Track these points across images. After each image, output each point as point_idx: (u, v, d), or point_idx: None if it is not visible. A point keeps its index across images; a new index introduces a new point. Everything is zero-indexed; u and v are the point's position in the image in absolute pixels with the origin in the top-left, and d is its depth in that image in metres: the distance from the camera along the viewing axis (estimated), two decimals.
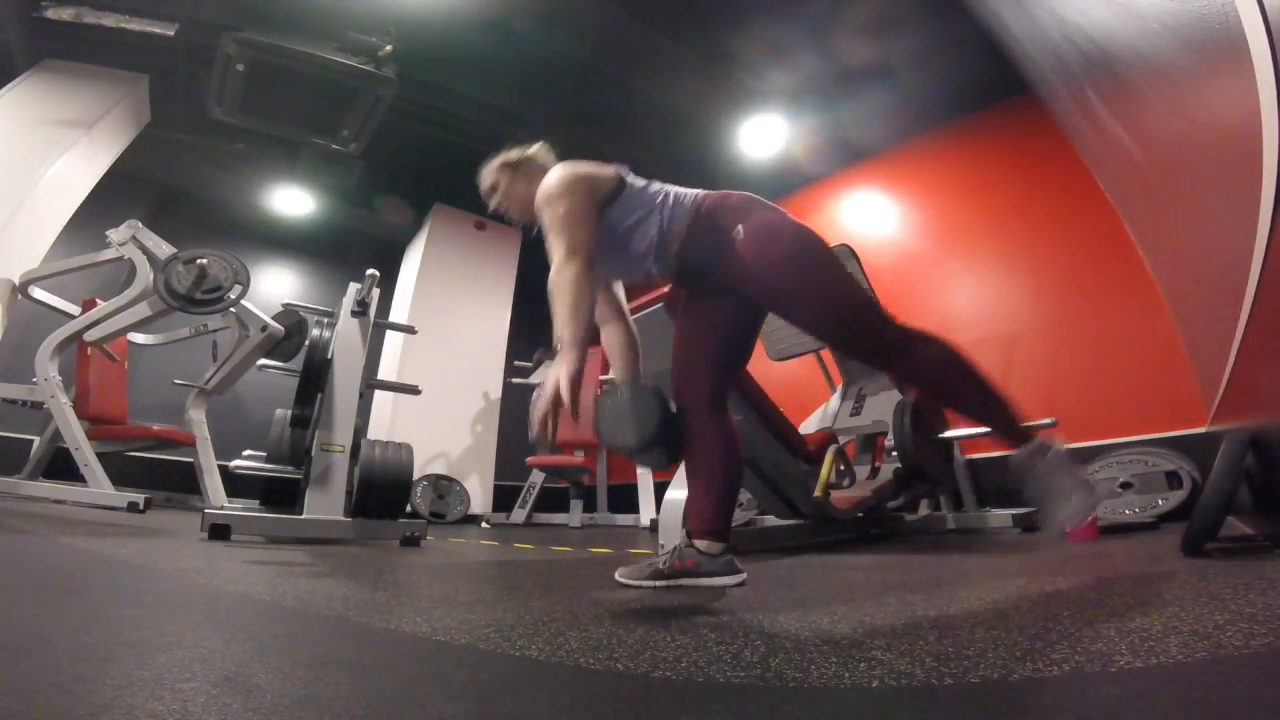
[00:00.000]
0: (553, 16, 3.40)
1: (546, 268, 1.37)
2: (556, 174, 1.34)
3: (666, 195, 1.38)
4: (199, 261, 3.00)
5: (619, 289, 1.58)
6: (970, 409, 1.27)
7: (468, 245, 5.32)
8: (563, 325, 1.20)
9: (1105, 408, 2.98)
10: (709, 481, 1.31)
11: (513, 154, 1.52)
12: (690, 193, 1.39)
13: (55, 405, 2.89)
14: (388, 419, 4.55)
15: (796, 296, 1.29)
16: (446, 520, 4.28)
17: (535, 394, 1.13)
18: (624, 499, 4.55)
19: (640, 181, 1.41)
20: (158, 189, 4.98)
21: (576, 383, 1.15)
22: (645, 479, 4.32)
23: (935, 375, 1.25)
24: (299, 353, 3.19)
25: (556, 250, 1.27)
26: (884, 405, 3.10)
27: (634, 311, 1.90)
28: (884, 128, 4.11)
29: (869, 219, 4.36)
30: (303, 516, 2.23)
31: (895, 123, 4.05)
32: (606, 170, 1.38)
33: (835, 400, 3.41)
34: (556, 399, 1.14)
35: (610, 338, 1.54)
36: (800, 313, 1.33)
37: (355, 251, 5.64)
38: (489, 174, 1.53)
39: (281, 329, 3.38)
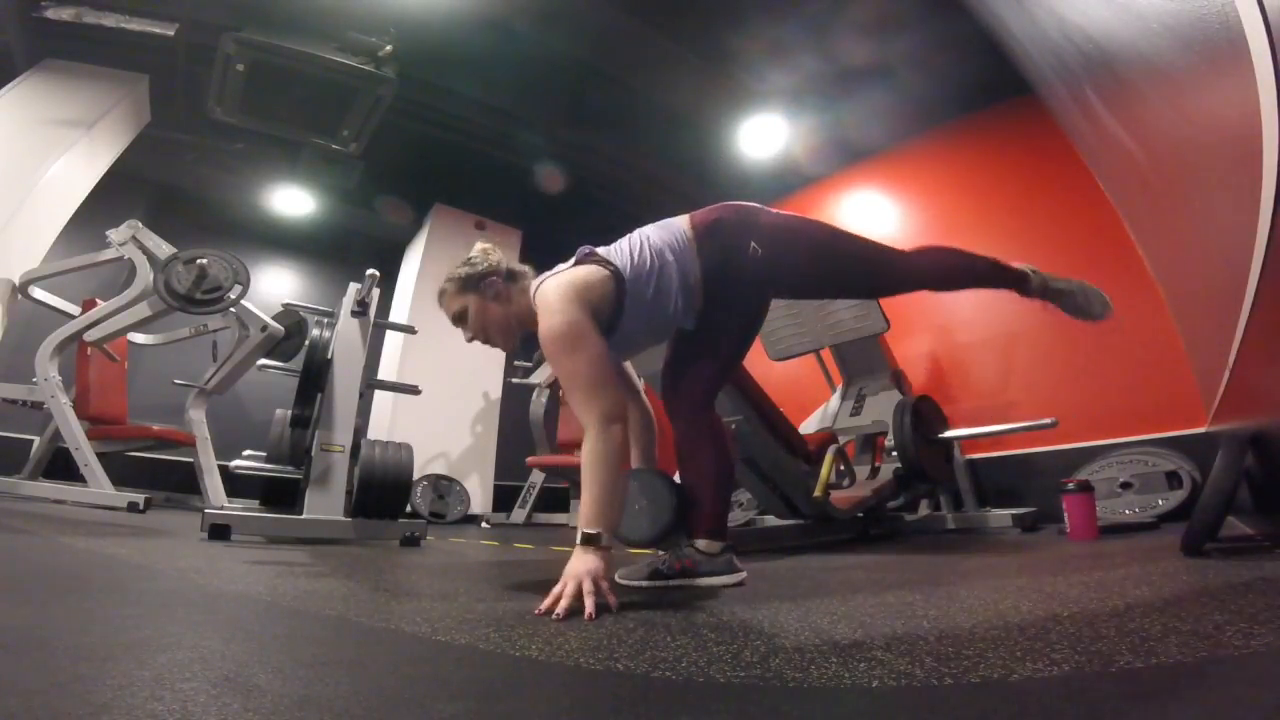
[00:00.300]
0: (553, 16, 3.40)
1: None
2: (555, 309, 1.18)
3: (654, 250, 1.29)
4: (199, 261, 3.00)
5: (629, 366, 1.55)
6: (980, 281, 1.58)
7: (468, 245, 5.15)
8: (600, 514, 1.10)
9: (1105, 408, 2.98)
10: (703, 481, 1.31)
11: (461, 270, 1.35)
12: (673, 232, 1.33)
13: (55, 405, 2.89)
14: (388, 419, 4.55)
15: (832, 278, 1.47)
16: (446, 520, 4.27)
17: (564, 579, 1.06)
18: None
19: (622, 252, 1.31)
20: (158, 189, 4.97)
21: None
22: None
23: (951, 272, 1.55)
24: (299, 353, 3.18)
25: (587, 418, 1.14)
26: (884, 405, 3.10)
27: None
28: (884, 128, 4.11)
29: (869, 219, 4.35)
30: (303, 516, 2.22)
31: (895, 123, 4.05)
32: (596, 274, 1.25)
33: (835, 400, 3.41)
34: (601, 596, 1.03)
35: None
36: (840, 289, 1.59)
37: (355, 251, 5.63)
38: (449, 301, 1.35)
39: (281, 329, 3.37)
